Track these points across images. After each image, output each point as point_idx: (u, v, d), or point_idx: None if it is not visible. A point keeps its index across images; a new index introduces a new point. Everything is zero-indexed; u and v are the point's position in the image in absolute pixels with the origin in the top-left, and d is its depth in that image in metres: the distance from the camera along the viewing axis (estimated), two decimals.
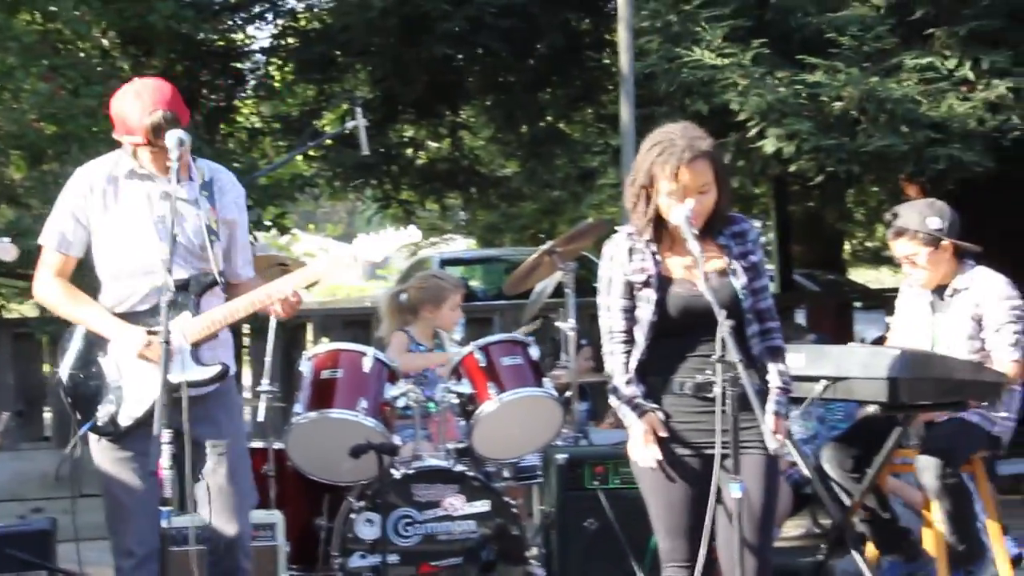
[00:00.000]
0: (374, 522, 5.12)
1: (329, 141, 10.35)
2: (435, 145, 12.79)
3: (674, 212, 3.90)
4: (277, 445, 5.54)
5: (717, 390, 3.75)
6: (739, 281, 3.90)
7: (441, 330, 6.10)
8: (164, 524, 3.84)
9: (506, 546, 5.24)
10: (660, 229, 3.94)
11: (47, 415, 8.63)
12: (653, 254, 3.93)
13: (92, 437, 4.22)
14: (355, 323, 8.73)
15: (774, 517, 4.04)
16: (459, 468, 5.30)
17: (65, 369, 4.25)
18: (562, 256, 5.93)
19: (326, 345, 5.54)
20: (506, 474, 5.75)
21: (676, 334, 3.88)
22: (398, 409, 5.45)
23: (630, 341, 3.94)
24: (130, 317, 4.18)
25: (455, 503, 5.24)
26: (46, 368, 8.53)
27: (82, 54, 9.02)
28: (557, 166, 11.84)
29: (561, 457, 5.32)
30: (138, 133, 4.09)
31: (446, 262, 13.17)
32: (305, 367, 5.42)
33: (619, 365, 3.95)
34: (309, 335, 8.87)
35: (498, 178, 12.81)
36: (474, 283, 13.71)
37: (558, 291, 6.50)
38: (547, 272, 6.16)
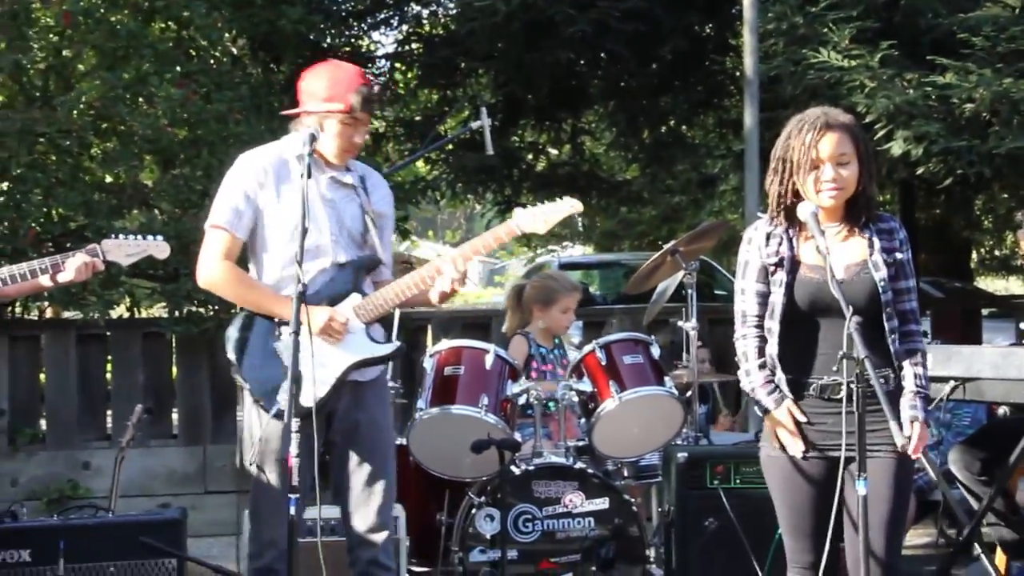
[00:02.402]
0: (494, 518, 5.17)
1: (450, 145, 10.46)
2: (554, 152, 12.83)
3: (801, 207, 3.87)
4: (399, 441, 5.61)
5: (844, 388, 3.69)
6: (879, 274, 3.84)
7: (555, 333, 6.09)
8: (292, 511, 3.91)
9: (625, 544, 5.26)
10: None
11: (175, 415, 8.85)
12: (790, 239, 3.91)
13: (270, 422, 4.18)
14: (474, 326, 8.80)
15: (904, 523, 3.97)
16: (579, 466, 5.32)
17: (240, 357, 4.26)
18: (684, 256, 5.91)
19: (449, 342, 5.59)
20: (626, 472, 5.77)
21: (807, 325, 3.83)
22: (519, 406, 5.50)
23: (762, 327, 3.92)
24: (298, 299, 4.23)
25: (575, 500, 5.27)
26: (174, 370, 8.76)
27: (213, 61, 9.23)
28: (678, 171, 11.80)
29: (682, 456, 5.31)
30: (341, 100, 4.19)
31: (564, 266, 13.14)
32: (428, 364, 5.50)
33: (752, 349, 3.93)
34: (429, 338, 8.96)
35: (618, 183, 12.79)
36: (592, 288, 13.70)
37: (677, 295, 6.49)
38: (669, 272, 6.15)
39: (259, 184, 4.24)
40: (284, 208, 4.23)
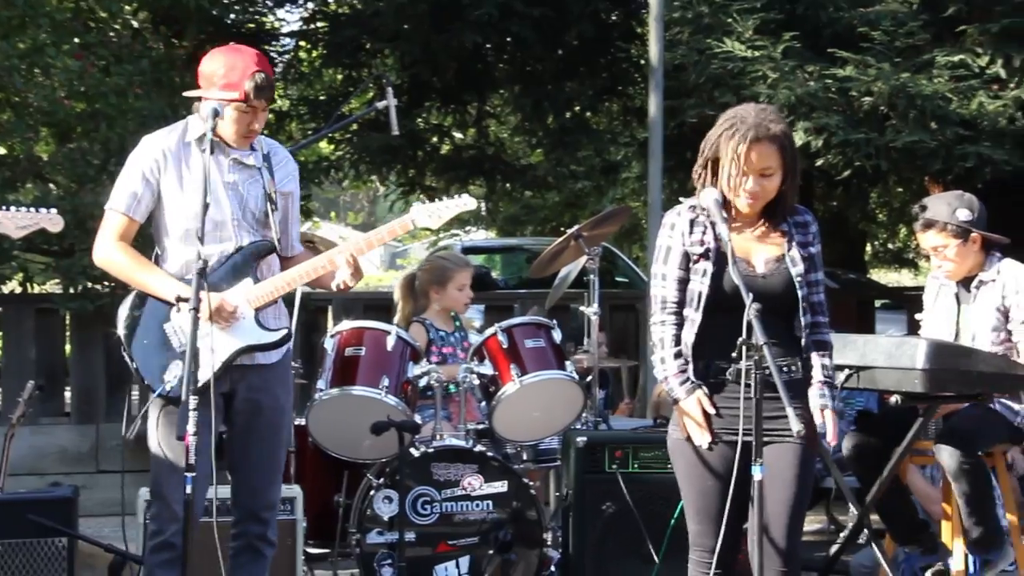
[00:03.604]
0: (392, 500, 5.16)
1: (355, 125, 10.37)
2: (459, 135, 12.80)
3: (704, 194, 3.91)
4: (298, 421, 5.56)
5: (743, 374, 3.73)
6: (796, 269, 3.88)
7: (455, 312, 6.08)
8: (188, 490, 3.90)
9: (523, 527, 5.27)
10: (726, 205, 3.92)
11: (67, 393, 8.68)
12: (715, 229, 3.91)
13: (153, 403, 4.25)
14: (375, 307, 8.75)
15: (805, 508, 4.01)
16: (479, 449, 5.32)
17: (131, 336, 4.27)
18: (587, 241, 5.91)
19: (351, 323, 5.54)
20: (525, 456, 5.77)
21: (730, 314, 3.81)
22: (420, 388, 5.48)
23: (680, 313, 3.93)
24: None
25: (473, 483, 5.27)
26: (68, 348, 8.59)
27: (112, 33, 9.04)
28: (582, 157, 11.84)
29: (581, 440, 5.32)
30: (237, 89, 4.15)
31: (467, 250, 13.11)
32: (329, 344, 5.45)
33: (669, 337, 3.93)
34: (329, 319, 8.91)
35: (523, 167, 12.80)
36: (495, 272, 13.71)
37: (578, 282, 6.50)
38: (572, 257, 6.15)
39: (159, 168, 4.23)
40: (186, 194, 4.22)
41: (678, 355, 3.91)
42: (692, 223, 3.94)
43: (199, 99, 4.28)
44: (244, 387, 4.30)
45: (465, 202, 4.46)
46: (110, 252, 4.27)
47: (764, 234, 3.96)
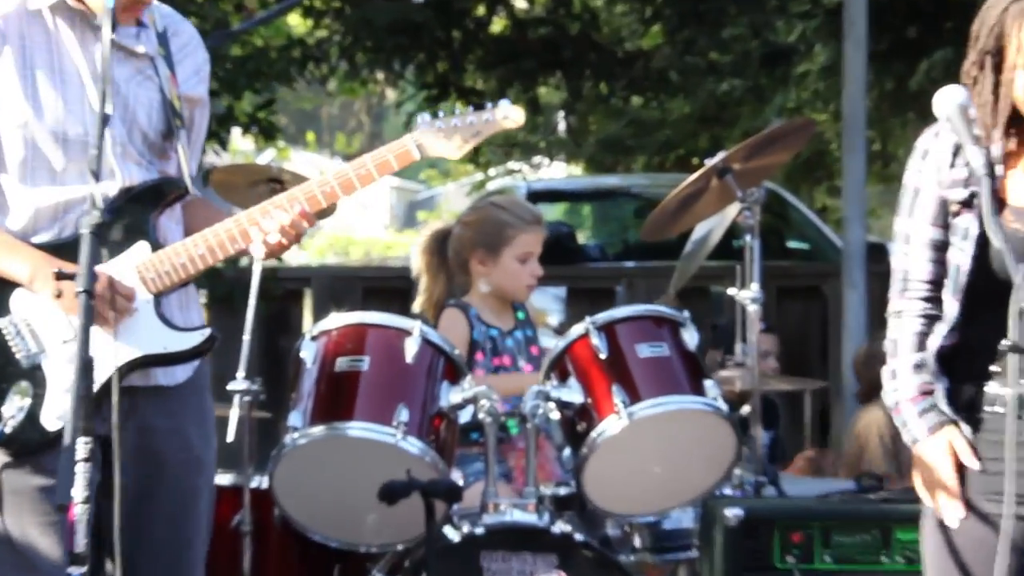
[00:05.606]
0: None
1: None
2: (521, 4, 12.86)
3: (942, 97, 3.90)
4: (256, 482, 5.62)
5: (1010, 397, 3.75)
6: None
7: (510, 298, 6.13)
8: None
9: None
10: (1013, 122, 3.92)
11: None
12: (991, 162, 3.90)
13: None
14: (384, 292, 8.82)
15: None
16: (560, 529, 5.32)
17: None
18: (740, 180, 5.91)
19: (344, 317, 5.54)
20: (639, 541, 5.84)
21: (1003, 304, 3.80)
22: (461, 427, 5.49)
23: (934, 300, 3.98)
24: (58, 249, 4.18)
25: None
26: None
27: None
28: (729, 39, 11.84)
29: (733, 515, 5.36)
30: None
31: (536, 195, 13.18)
32: (308, 352, 5.46)
33: (909, 336, 4.01)
34: (307, 309, 8.97)
35: (629, 57, 12.83)
36: (582, 233, 13.76)
37: (726, 247, 6.49)
38: (714, 208, 6.16)
39: None
40: (29, 90, 4.20)
41: (919, 367, 3.96)
42: (958, 149, 3.94)
43: None
44: (133, 427, 4.22)
45: (505, 113, 4.39)
46: None
47: None
